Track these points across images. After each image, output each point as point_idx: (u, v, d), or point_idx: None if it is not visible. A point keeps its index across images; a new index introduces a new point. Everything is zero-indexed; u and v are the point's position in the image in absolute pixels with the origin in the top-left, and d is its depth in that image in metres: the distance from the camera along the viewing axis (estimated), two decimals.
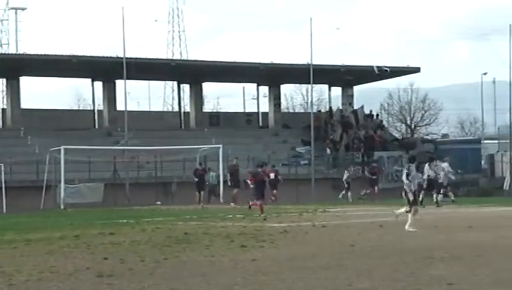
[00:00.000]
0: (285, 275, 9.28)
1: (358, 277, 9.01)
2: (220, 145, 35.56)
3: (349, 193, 35.97)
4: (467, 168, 41.73)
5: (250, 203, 23.42)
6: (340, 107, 49.46)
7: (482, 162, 48.26)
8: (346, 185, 36.27)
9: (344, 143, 44.69)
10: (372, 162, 35.61)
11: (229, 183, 32.20)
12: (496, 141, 49.91)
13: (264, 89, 50.97)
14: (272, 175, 35.04)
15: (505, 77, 43.44)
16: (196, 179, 32.32)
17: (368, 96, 55.09)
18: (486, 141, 54.40)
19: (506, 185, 42.93)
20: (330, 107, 49.95)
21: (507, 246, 12.19)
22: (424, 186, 26.14)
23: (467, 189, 40.90)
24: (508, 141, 44.00)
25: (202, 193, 32.32)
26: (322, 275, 9.21)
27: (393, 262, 10.30)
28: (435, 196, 26.94)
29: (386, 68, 45.12)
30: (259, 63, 44.98)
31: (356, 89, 51.06)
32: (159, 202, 34.61)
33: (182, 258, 11.27)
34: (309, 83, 44.02)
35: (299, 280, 8.90)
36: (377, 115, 52.25)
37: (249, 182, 23.50)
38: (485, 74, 68.12)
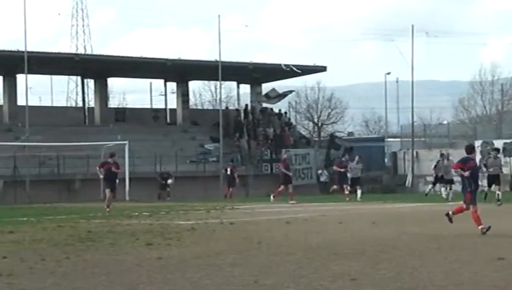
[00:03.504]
0: (191, 273, 9.17)
1: (264, 273, 9.00)
2: (126, 142, 35.07)
3: (432, 188, 31.77)
4: (371, 166, 42.82)
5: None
6: (249, 105, 49.61)
7: (386, 160, 49.61)
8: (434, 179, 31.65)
9: (252, 140, 44.90)
10: None
11: (285, 178, 28.34)
12: (399, 139, 51.33)
13: (172, 85, 50.56)
14: (228, 170, 34.99)
15: (408, 76, 44.89)
16: (101, 175, 24.78)
17: None
18: (389, 139, 55.94)
19: (408, 182, 44.26)
20: (246, 105, 49.73)
21: (409, 242, 12.49)
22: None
23: (371, 186, 41.95)
24: (410, 139, 45.39)
25: (110, 190, 24.29)
26: (228, 273, 9.14)
27: (298, 259, 10.35)
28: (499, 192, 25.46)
29: (292, 67, 45.45)
30: (167, 59, 44.54)
31: (264, 86, 51.38)
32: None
33: (84, 257, 10.96)
34: (218, 79, 43.96)
35: (205, 277, 8.81)
36: (285, 113, 52.75)
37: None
38: (388, 73, 70.12)
